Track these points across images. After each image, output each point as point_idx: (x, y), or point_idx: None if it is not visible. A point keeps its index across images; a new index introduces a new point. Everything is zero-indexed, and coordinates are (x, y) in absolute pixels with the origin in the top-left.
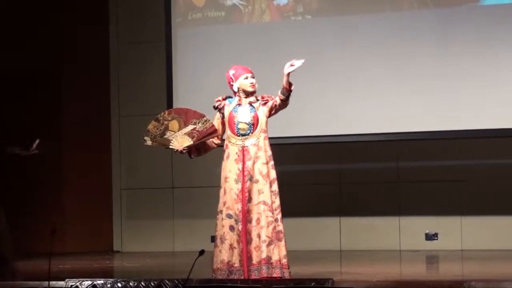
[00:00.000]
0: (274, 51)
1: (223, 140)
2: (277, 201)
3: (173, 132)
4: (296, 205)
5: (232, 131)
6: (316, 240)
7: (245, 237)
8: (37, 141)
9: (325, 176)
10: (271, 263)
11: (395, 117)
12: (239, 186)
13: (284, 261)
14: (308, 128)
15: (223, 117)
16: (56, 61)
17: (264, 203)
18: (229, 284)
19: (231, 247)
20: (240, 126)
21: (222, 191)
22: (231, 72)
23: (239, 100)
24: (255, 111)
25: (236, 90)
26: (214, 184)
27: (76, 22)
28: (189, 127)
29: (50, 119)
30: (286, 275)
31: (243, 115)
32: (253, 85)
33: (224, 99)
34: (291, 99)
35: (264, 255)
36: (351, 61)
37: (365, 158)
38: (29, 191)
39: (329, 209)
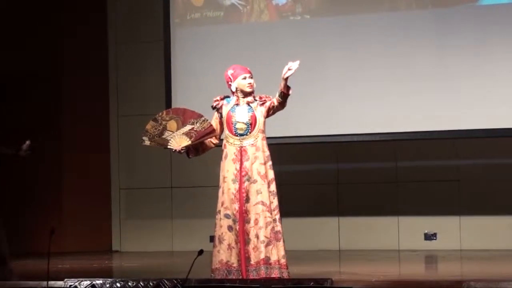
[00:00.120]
0: (272, 51)
1: (221, 140)
2: (275, 202)
3: (171, 132)
4: (295, 205)
5: (230, 131)
6: (315, 240)
7: (243, 237)
8: (27, 143)
9: (324, 176)
10: (270, 264)
11: (394, 117)
12: (237, 186)
13: (283, 261)
14: (306, 128)
15: (221, 117)
16: (56, 61)
17: (262, 203)
18: (228, 284)
19: (230, 247)
20: (238, 126)
21: (220, 191)
22: (230, 71)
23: (237, 100)
24: (253, 111)
25: (234, 90)
26: (213, 184)
27: (76, 22)
28: (187, 127)
29: (49, 119)
30: (285, 275)
31: (241, 115)
32: (251, 86)
33: (222, 99)
34: (289, 98)
35: (262, 256)
36: (350, 61)
37: (364, 158)
38: (28, 191)
39: (328, 209)
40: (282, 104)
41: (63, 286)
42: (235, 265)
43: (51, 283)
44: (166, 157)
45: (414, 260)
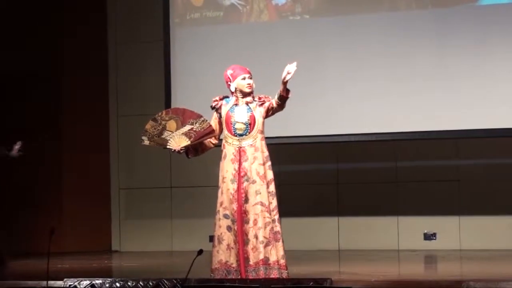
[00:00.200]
0: (272, 51)
1: (220, 140)
2: (274, 202)
3: (170, 132)
4: (295, 205)
5: (229, 131)
6: (315, 240)
7: (242, 238)
8: (19, 143)
9: (324, 176)
10: (269, 264)
11: (394, 117)
12: (235, 186)
13: (282, 261)
14: (306, 128)
15: (220, 117)
16: (56, 61)
17: (261, 204)
18: (227, 284)
19: (229, 247)
20: (237, 126)
21: (219, 191)
22: (229, 71)
23: (236, 100)
24: (252, 111)
25: (233, 90)
26: (212, 183)
27: (76, 22)
28: (187, 127)
29: (49, 119)
30: (284, 276)
31: (240, 115)
32: (250, 86)
33: (221, 99)
34: (289, 98)
35: (261, 256)
36: (349, 61)
37: (364, 157)
38: (28, 191)
39: (327, 209)
40: (281, 106)
41: (62, 286)
42: (234, 265)
43: (51, 283)
44: (166, 157)
45: (413, 260)
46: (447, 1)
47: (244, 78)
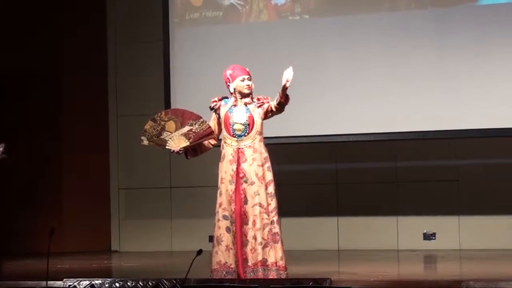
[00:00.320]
0: (271, 51)
1: (219, 140)
2: (273, 203)
3: (169, 133)
4: (294, 205)
5: (228, 132)
6: (314, 240)
7: (241, 239)
8: (1, 145)
9: (323, 176)
10: (267, 265)
11: (393, 117)
12: (233, 187)
13: (281, 263)
14: (305, 127)
15: (219, 118)
16: (56, 61)
17: (260, 205)
18: (227, 284)
19: (228, 248)
20: (236, 127)
21: (218, 192)
22: (228, 72)
23: (235, 101)
24: (251, 112)
25: (232, 91)
26: (212, 184)
27: (76, 22)
28: (186, 128)
29: (49, 119)
30: (283, 277)
31: (239, 116)
32: (249, 88)
33: (220, 100)
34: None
35: (260, 258)
36: (349, 61)
37: (363, 157)
38: (28, 191)
39: (327, 209)
40: (279, 110)
41: (62, 286)
42: (233, 266)
43: (50, 283)
44: (165, 157)
45: (413, 260)
46: (446, 1)
47: (243, 80)
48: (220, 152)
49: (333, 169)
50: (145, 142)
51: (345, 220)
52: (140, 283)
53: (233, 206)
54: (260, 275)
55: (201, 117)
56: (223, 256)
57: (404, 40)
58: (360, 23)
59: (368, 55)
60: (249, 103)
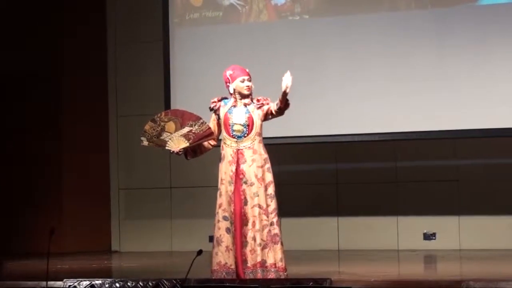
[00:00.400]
0: (271, 51)
1: (219, 140)
2: (273, 204)
3: (169, 134)
4: (294, 205)
5: (228, 133)
6: (314, 240)
7: (240, 240)
8: None
9: (323, 176)
10: (266, 267)
11: (393, 117)
12: (232, 188)
13: (280, 264)
14: (305, 128)
15: (218, 119)
16: (56, 61)
17: (259, 206)
18: (227, 284)
19: (227, 249)
20: (235, 127)
21: (218, 193)
22: (228, 72)
23: (235, 101)
24: (250, 113)
25: (232, 91)
26: (212, 184)
27: (76, 22)
28: (186, 129)
29: (49, 119)
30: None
31: (238, 117)
32: (249, 89)
33: (219, 100)
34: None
35: (259, 259)
36: (349, 61)
37: (363, 158)
38: (28, 191)
39: (327, 209)
40: (279, 114)
41: (62, 286)
42: (233, 267)
43: (51, 283)
44: (165, 157)
45: (413, 260)
46: (446, 1)
47: (243, 81)
48: (220, 152)
49: (333, 169)
50: (145, 143)
51: (345, 220)
52: (140, 283)
53: (232, 207)
54: (259, 276)
55: (201, 118)
56: (223, 257)
57: (404, 40)
58: (360, 23)
59: (368, 55)
60: (248, 104)
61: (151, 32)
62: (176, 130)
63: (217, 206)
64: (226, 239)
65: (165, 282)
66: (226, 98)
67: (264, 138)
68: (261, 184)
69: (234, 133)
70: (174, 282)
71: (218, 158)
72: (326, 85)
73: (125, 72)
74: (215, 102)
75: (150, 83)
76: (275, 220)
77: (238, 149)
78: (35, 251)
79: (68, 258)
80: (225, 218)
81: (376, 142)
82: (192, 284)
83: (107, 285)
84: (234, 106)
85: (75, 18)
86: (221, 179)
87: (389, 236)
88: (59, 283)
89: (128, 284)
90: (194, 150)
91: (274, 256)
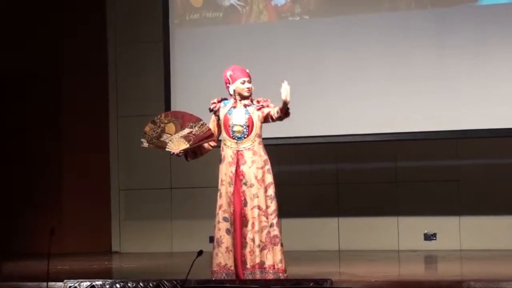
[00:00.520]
0: (271, 52)
1: (219, 141)
2: (273, 206)
3: (169, 135)
4: (295, 205)
5: (228, 134)
6: (315, 240)
7: (240, 240)
8: None
9: (324, 176)
10: (264, 268)
11: (393, 117)
12: (232, 189)
13: (280, 265)
14: (306, 128)
15: (218, 119)
16: (56, 61)
17: (259, 207)
18: (227, 285)
19: (228, 250)
20: (236, 128)
21: (218, 194)
22: (229, 73)
23: (234, 102)
24: (250, 114)
25: (232, 92)
26: (212, 184)
27: (76, 22)
28: (186, 131)
29: (49, 119)
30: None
31: (238, 118)
32: (249, 90)
33: (219, 101)
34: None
35: (258, 260)
36: (349, 61)
37: (363, 158)
38: (28, 191)
39: (327, 209)
40: (279, 120)
41: (63, 287)
42: (232, 268)
43: (51, 284)
44: (166, 158)
45: (414, 260)
46: (446, 1)
47: (243, 82)
48: (220, 153)
49: (334, 169)
50: (145, 144)
51: (346, 221)
52: (141, 284)
53: (232, 208)
54: (257, 277)
55: (201, 120)
56: (223, 258)
57: (404, 40)
58: (360, 23)
59: (368, 56)
60: (248, 105)
61: (151, 32)
62: (176, 131)
63: (217, 207)
64: (226, 240)
65: (166, 282)
66: (226, 99)
67: (264, 138)
68: (260, 186)
69: (234, 134)
70: (175, 283)
71: (218, 159)
72: (326, 85)
73: (125, 73)
74: (215, 103)
75: (150, 83)
76: (275, 221)
77: (238, 150)
78: (35, 252)
79: (69, 258)
80: (225, 219)
81: (377, 142)
82: (193, 285)
83: (107, 286)
84: (234, 107)
85: (75, 18)
86: (221, 180)
87: (389, 237)
88: (60, 284)
89: (129, 285)
90: (194, 151)
91: (273, 258)
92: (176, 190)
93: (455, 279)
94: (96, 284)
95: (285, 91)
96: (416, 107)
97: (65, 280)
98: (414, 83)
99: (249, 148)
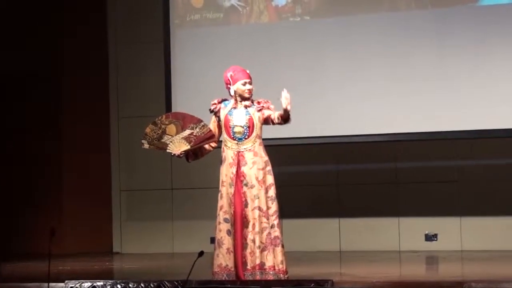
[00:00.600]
0: (272, 52)
1: (220, 142)
2: (274, 207)
3: (170, 136)
4: (295, 206)
5: (228, 135)
6: (315, 241)
7: (240, 241)
8: None
9: (324, 177)
10: (264, 269)
11: (394, 118)
12: (233, 190)
13: (281, 266)
14: (306, 129)
15: (219, 120)
16: (56, 61)
17: (259, 209)
18: (228, 286)
19: (228, 251)
20: (236, 129)
21: (219, 195)
22: (229, 73)
23: (235, 103)
24: (250, 115)
25: (232, 93)
26: (213, 185)
27: (76, 22)
28: (187, 132)
29: (49, 119)
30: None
31: (239, 118)
32: (250, 92)
33: (219, 102)
34: (290, 99)
35: (258, 261)
36: (349, 61)
37: (364, 159)
38: (29, 192)
39: (328, 210)
40: (280, 125)
41: None
42: (233, 269)
43: (52, 285)
44: (167, 158)
45: (415, 261)
46: (447, 1)
47: (244, 84)
48: (221, 154)
49: (334, 170)
50: (146, 146)
51: (347, 221)
52: (142, 284)
53: (233, 209)
54: (258, 278)
55: (202, 121)
56: (224, 259)
57: (405, 41)
58: (361, 24)
59: (368, 56)
60: (249, 106)
61: (151, 32)
62: (177, 133)
63: (218, 208)
64: (227, 241)
65: (167, 283)
66: (226, 99)
67: (264, 139)
68: (261, 187)
69: (235, 135)
70: (176, 283)
71: (219, 160)
72: (327, 86)
73: (125, 73)
74: (215, 104)
75: (151, 84)
76: (275, 222)
77: (239, 151)
78: (36, 252)
79: (70, 259)
80: (226, 220)
81: (377, 143)
82: (194, 285)
83: (108, 287)
84: (235, 108)
85: (75, 18)
86: (222, 181)
87: (390, 237)
88: (61, 284)
89: (130, 285)
90: (195, 152)
91: (273, 259)
92: (177, 191)
93: (456, 280)
94: (97, 285)
95: (286, 100)
96: (416, 108)
97: (66, 281)
98: (414, 83)
99: (249, 149)
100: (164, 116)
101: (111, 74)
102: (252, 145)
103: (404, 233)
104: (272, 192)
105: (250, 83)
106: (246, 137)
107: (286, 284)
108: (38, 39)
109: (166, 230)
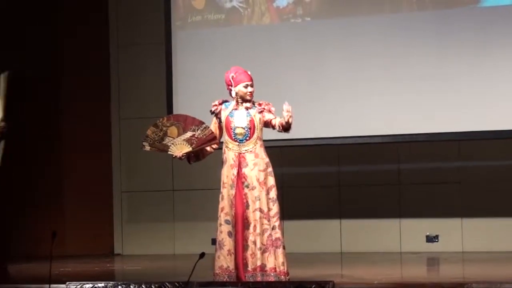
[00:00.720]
0: (273, 54)
1: (221, 143)
2: (275, 208)
3: (171, 138)
4: (297, 207)
5: (230, 136)
6: (317, 242)
7: (241, 243)
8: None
9: (325, 178)
10: (265, 271)
11: (395, 119)
12: (234, 191)
13: (282, 268)
14: (307, 130)
15: (220, 122)
16: (56, 61)
17: (260, 210)
18: (230, 287)
19: (229, 252)
20: (238, 131)
21: (220, 196)
22: (231, 75)
23: (236, 104)
24: (251, 117)
25: (234, 95)
26: (214, 186)
27: (76, 22)
28: (188, 134)
29: (50, 119)
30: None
31: (240, 120)
32: (251, 95)
33: (220, 104)
34: (291, 101)
35: (259, 263)
36: (351, 63)
37: (366, 160)
38: (29, 193)
39: (329, 211)
40: (281, 132)
41: None
42: (234, 271)
43: (53, 286)
44: (168, 160)
45: (416, 262)
46: (448, 3)
47: (246, 86)
48: (222, 156)
49: (336, 171)
50: (147, 148)
51: (348, 223)
52: (143, 286)
53: (234, 211)
54: (259, 280)
55: (203, 123)
56: (225, 260)
57: (406, 42)
58: (362, 25)
59: (370, 57)
60: (250, 108)
61: (153, 34)
62: (178, 135)
63: (219, 210)
64: (228, 243)
65: (168, 285)
66: (227, 101)
67: (265, 140)
68: (262, 188)
69: (236, 137)
70: (177, 285)
71: (220, 161)
72: (328, 87)
73: (127, 74)
74: (216, 105)
75: (152, 85)
76: (277, 224)
77: (240, 153)
78: (37, 254)
79: (71, 261)
80: (227, 221)
81: (379, 144)
82: (195, 287)
83: None
84: (236, 109)
85: (75, 18)
86: (223, 183)
87: (391, 239)
88: (62, 286)
89: (131, 287)
90: (197, 154)
91: (274, 261)
92: (178, 192)
93: (458, 281)
94: (98, 286)
95: (287, 113)
96: (418, 109)
97: (67, 282)
98: (415, 84)
99: (251, 151)
100: (165, 118)
101: (112, 75)
102: (253, 147)
103: (406, 235)
104: (273, 193)
105: (252, 86)
106: (247, 138)
107: (287, 285)
108: (38, 39)
109: (167, 232)
